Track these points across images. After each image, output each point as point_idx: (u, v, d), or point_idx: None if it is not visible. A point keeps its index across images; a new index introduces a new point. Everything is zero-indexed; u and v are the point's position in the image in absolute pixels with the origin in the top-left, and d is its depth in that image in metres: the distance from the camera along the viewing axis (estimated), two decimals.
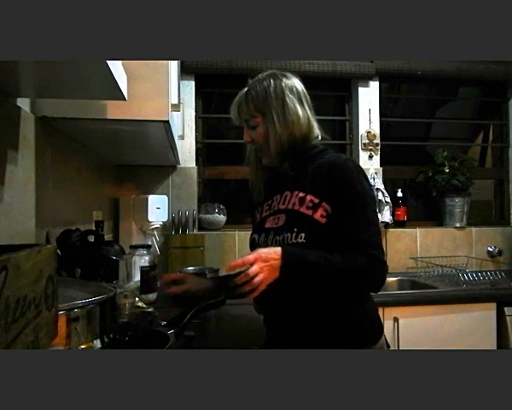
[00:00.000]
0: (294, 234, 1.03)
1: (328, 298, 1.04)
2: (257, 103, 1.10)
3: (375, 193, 2.54)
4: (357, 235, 1.00)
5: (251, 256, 0.96)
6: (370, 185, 1.10)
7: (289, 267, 0.97)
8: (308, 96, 1.15)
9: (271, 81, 1.11)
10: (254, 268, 0.93)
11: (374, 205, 1.08)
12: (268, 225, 1.12)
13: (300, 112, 1.10)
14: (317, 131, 1.14)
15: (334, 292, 1.03)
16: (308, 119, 1.12)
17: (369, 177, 2.55)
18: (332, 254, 0.99)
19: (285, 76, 1.13)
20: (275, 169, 1.16)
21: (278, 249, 0.98)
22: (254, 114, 1.11)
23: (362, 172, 1.06)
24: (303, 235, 1.02)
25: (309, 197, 1.04)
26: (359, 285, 1.03)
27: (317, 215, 1.02)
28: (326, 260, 0.98)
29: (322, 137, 1.16)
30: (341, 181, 1.03)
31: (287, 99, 1.09)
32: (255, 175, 1.21)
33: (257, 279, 0.93)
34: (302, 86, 1.15)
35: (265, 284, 0.95)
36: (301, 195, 1.06)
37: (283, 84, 1.11)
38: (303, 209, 1.04)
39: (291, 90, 1.11)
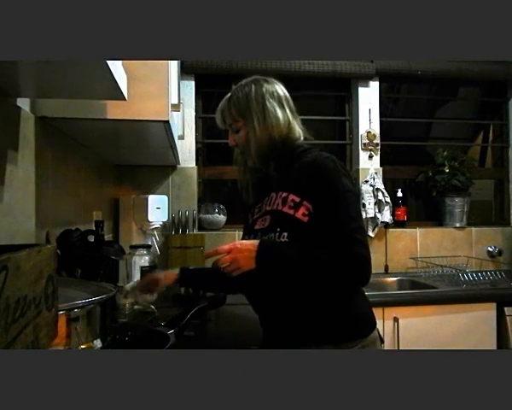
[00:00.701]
0: (278, 234, 1.05)
1: (315, 294, 1.05)
2: (238, 108, 1.14)
3: (375, 193, 2.54)
4: (339, 232, 1.01)
5: (226, 246, 1.02)
6: (353, 183, 1.11)
7: (264, 259, 1.00)
8: (290, 100, 1.18)
9: (253, 86, 1.14)
10: (226, 257, 1.00)
11: (356, 202, 1.10)
12: (257, 226, 1.14)
13: (281, 115, 1.12)
14: (298, 132, 1.16)
15: (318, 288, 1.04)
16: (288, 121, 1.14)
17: (368, 177, 2.56)
18: (313, 251, 1.01)
19: (266, 81, 1.16)
20: (264, 171, 1.19)
21: (256, 242, 1.03)
22: (237, 118, 1.14)
23: (342, 170, 1.07)
24: (285, 234, 1.04)
25: (291, 197, 1.06)
26: (340, 281, 1.04)
27: (299, 214, 1.03)
28: (301, 255, 1.00)
29: (305, 138, 1.18)
30: (321, 180, 1.04)
31: (267, 103, 1.12)
32: (242, 176, 1.24)
33: (228, 268, 1.00)
34: (284, 90, 1.17)
35: (238, 273, 1.01)
36: (284, 195, 1.08)
37: (264, 89, 1.13)
38: (285, 209, 1.06)
39: (272, 95, 1.13)
